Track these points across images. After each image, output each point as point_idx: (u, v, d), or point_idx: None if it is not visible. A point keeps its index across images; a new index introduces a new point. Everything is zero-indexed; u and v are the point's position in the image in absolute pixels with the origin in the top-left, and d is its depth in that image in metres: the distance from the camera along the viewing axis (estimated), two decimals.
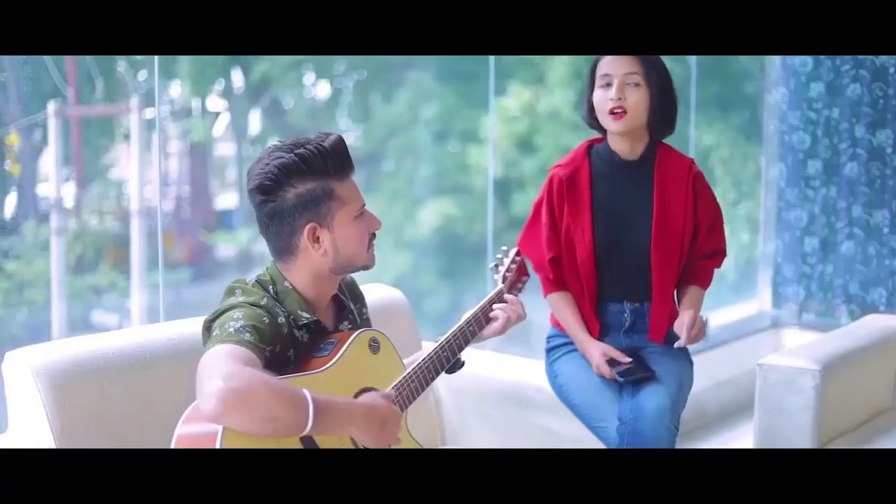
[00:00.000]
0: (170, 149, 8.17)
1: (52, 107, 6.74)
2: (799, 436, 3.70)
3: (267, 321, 2.59)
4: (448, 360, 2.96)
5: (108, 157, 7.59)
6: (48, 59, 6.85)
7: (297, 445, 2.49)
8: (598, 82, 3.36)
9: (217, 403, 2.33)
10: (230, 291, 2.71)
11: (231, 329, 2.52)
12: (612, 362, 3.34)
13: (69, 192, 7.15)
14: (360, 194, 2.77)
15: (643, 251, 3.38)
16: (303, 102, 7.79)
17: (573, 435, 3.41)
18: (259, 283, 2.73)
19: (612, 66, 3.33)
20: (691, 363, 3.53)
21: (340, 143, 2.71)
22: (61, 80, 6.93)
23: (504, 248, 3.29)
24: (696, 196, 3.43)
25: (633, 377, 3.27)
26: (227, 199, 8.39)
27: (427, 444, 3.62)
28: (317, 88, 7.81)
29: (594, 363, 3.36)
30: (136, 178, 7.14)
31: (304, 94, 7.80)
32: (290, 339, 2.66)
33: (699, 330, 3.33)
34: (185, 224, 8.15)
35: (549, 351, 3.56)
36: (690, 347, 3.59)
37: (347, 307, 2.89)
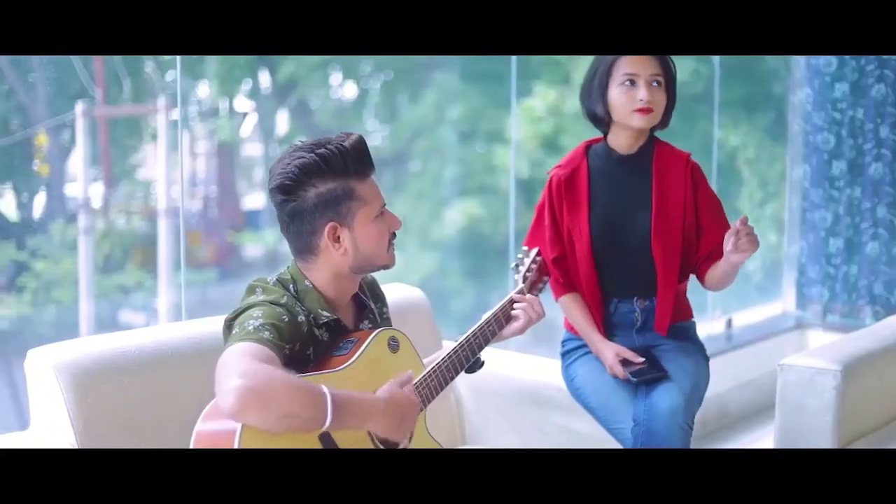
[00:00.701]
0: (197, 149, 8.21)
1: (79, 107, 6.77)
2: (819, 436, 3.68)
3: (286, 319, 2.59)
4: (467, 359, 2.96)
5: (135, 157, 7.62)
6: (76, 60, 6.89)
7: (316, 443, 2.50)
8: (618, 80, 3.36)
9: (235, 401, 2.33)
10: (251, 290, 2.72)
11: (250, 327, 2.53)
12: (625, 362, 3.33)
13: (97, 192, 7.18)
14: (380, 194, 2.77)
15: (645, 246, 3.37)
16: (329, 103, 7.80)
17: (593, 434, 3.41)
18: (280, 281, 2.73)
19: (638, 65, 3.33)
20: (707, 360, 3.51)
21: (361, 144, 2.72)
22: (89, 80, 6.96)
23: (525, 247, 3.29)
24: (696, 188, 3.43)
25: (645, 377, 3.26)
26: (255, 199, 8.41)
27: (447, 443, 3.62)
28: (343, 89, 7.82)
29: (607, 364, 3.36)
30: (163, 178, 7.17)
31: (330, 95, 7.81)
32: (310, 338, 2.67)
33: (748, 236, 3.15)
34: (212, 224, 8.18)
35: (564, 355, 3.56)
36: (710, 348, 3.58)
37: (368, 306, 2.90)
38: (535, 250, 3.29)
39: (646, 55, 3.31)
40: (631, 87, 3.32)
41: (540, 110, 6.89)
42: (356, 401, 2.50)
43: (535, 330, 3.13)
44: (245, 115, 8.16)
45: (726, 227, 3.48)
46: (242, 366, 2.39)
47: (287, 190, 2.66)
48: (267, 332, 2.52)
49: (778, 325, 6.95)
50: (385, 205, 2.78)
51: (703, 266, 3.44)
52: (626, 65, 3.34)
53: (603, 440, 3.34)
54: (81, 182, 6.88)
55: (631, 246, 3.39)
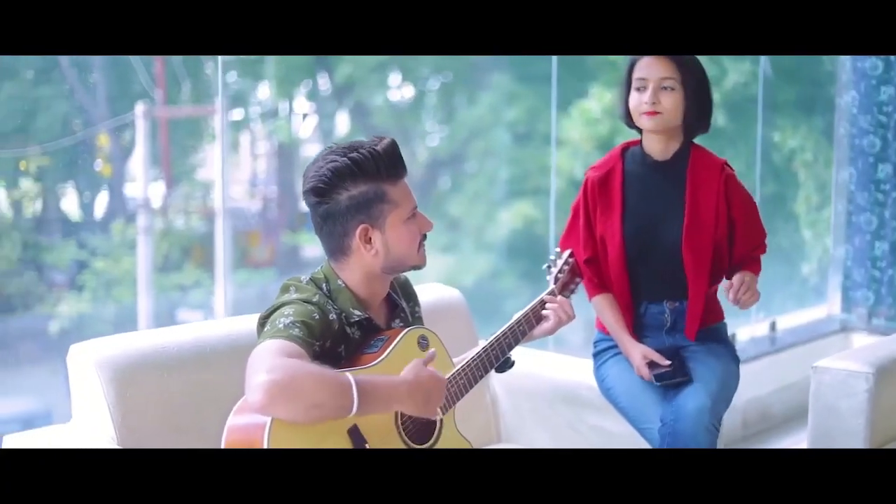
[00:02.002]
0: (257, 150, 8.32)
1: (140, 108, 6.89)
2: (852, 439, 3.71)
3: (317, 317, 2.67)
4: (497, 358, 3.02)
5: (195, 157, 7.75)
6: (136, 61, 7.02)
7: (345, 436, 2.57)
8: (634, 84, 3.42)
9: (263, 395, 2.42)
10: (285, 289, 2.80)
11: (281, 325, 2.61)
12: (651, 365, 3.38)
13: (156, 192, 7.32)
14: (412, 197, 2.83)
15: (675, 252, 3.41)
16: (387, 104, 7.88)
17: (625, 434, 3.45)
18: (313, 280, 2.81)
19: (648, 70, 3.38)
20: (737, 361, 3.54)
21: (393, 147, 2.78)
22: (149, 81, 7.09)
23: (557, 249, 3.35)
24: (729, 197, 3.46)
25: (669, 381, 3.31)
26: None
27: (483, 442, 3.69)
28: (401, 90, 7.90)
29: (634, 365, 3.41)
30: (221, 178, 7.28)
31: (388, 96, 7.89)
32: (342, 336, 2.74)
33: (749, 290, 3.34)
34: (270, 224, 8.28)
35: (596, 355, 3.60)
36: (753, 350, 3.62)
37: (399, 305, 2.96)
38: (567, 252, 3.35)
39: (659, 59, 3.35)
40: (643, 92, 3.38)
41: (596, 112, 6.94)
42: (381, 385, 2.58)
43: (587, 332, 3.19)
44: (304, 116, 8.26)
45: (762, 233, 3.54)
46: (270, 362, 2.47)
47: (320, 192, 2.73)
48: (297, 330, 2.60)
49: (823, 329, 6.92)
50: (416, 207, 2.85)
51: (749, 263, 3.50)
52: (639, 69, 3.40)
53: (635, 440, 3.39)
54: (141, 182, 7.02)
55: (662, 251, 3.42)
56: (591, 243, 3.51)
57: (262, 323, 2.72)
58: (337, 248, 2.81)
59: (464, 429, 2.95)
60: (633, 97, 3.41)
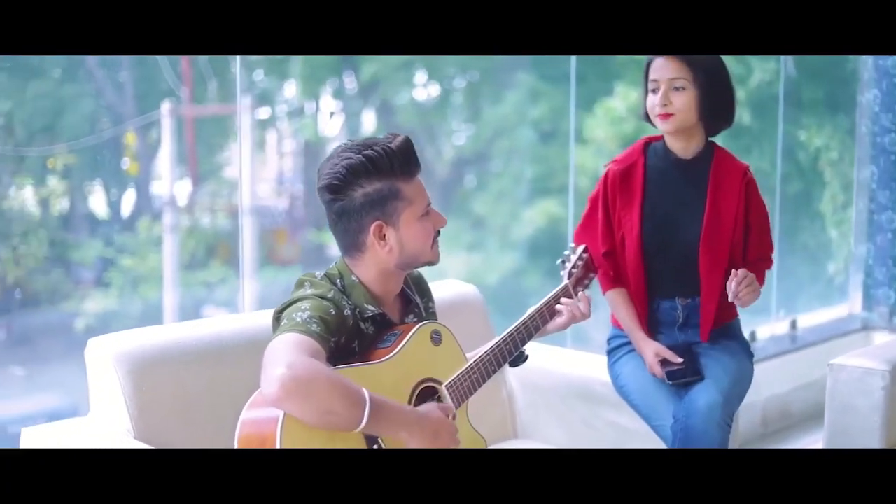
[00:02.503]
0: (284, 148, 8.36)
1: (166, 106, 6.93)
2: (868, 436, 3.71)
3: (333, 313, 2.69)
4: (510, 353, 3.04)
5: (222, 155, 7.79)
6: (163, 60, 7.06)
7: (359, 435, 2.60)
8: (649, 86, 3.44)
9: (279, 388, 2.44)
10: (300, 284, 2.83)
11: (298, 319, 2.63)
12: (664, 362, 3.39)
13: (183, 190, 7.36)
14: (426, 193, 2.85)
15: (693, 248, 3.42)
16: (413, 103, 7.89)
17: (640, 430, 3.46)
18: (327, 276, 2.84)
19: (659, 71, 3.40)
20: (750, 358, 3.55)
21: (407, 145, 2.80)
22: (175, 80, 7.13)
23: (572, 244, 3.37)
24: (748, 202, 3.47)
25: (681, 380, 3.32)
26: None
27: (499, 438, 3.70)
28: (426, 89, 7.91)
29: (647, 362, 3.42)
30: (247, 176, 7.32)
31: (413, 95, 7.91)
32: (356, 331, 2.76)
33: (750, 286, 3.32)
34: (297, 222, 8.31)
35: (610, 352, 3.62)
36: (773, 349, 3.63)
37: (413, 301, 2.98)
38: (581, 247, 3.36)
39: (669, 60, 3.36)
40: (656, 93, 3.40)
41: (620, 110, 6.94)
42: (393, 409, 2.59)
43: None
44: (331, 114, 8.29)
45: (770, 247, 3.56)
46: (289, 356, 2.49)
47: (335, 189, 2.76)
48: (315, 325, 2.62)
49: (844, 327, 6.89)
50: (430, 204, 2.87)
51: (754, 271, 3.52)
52: (651, 72, 3.42)
53: (649, 436, 3.40)
54: (167, 180, 7.06)
55: (679, 248, 3.43)
56: (609, 237, 3.53)
57: (278, 317, 2.74)
58: (351, 244, 2.84)
59: (480, 424, 2.96)
60: (649, 99, 3.44)
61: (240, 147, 5.65)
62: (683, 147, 3.48)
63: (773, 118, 6.72)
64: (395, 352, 2.75)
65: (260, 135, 8.11)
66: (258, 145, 8.19)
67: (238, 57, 4.75)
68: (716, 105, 3.43)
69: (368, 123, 8.17)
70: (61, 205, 7.16)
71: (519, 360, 3.12)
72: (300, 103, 7.92)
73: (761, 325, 6.01)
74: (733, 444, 3.45)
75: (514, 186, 7.52)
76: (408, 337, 2.79)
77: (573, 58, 5.62)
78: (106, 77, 6.94)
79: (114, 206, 7.46)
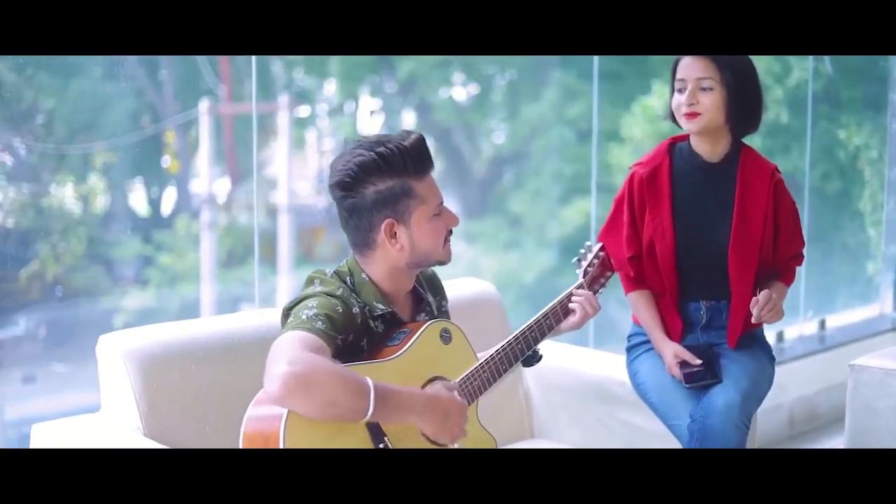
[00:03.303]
0: (324, 147, 8.35)
1: (203, 105, 6.95)
2: (890, 438, 3.62)
3: (340, 310, 2.66)
4: (522, 352, 2.99)
5: (261, 154, 7.79)
6: (202, 59, 7.07)
7: (363, 429, 2.57)
8: (675, 86, 3.37)
9: (280, 386, 2.42)
10: (309, 281, 2.80)
11: (304, 316, 2.61)
12: (682, 364, 3.34)
13: (221, 189, 7.37)
14: (438, 192, 2.81)
15: (721, 252, 3.36)
16: (451, 101, 7.88)
17: (656, 431, 3.41)
18: (337, 274, 2.81)
19: (686, 70, 3.33)
20: (772, 360, 3.49)
21: (420, 143, 2.77)
22: (214, 78, 7.15)
23: (588, 243, 3.32)
24: (777, 202, 3.40)
25: (699, 383, 3.27)
26: None
27: (516, 437, 3.66)
28: (465, 88, 7.90)
29: (666, 363, 3.37)
30: (285, 174, 7.32)
31: (451, 93, 7.90)
32: (365, 329, 2.73)
33: (773, 309, 3.28)
34: (335, 220, 8.29)
35: (629, 350, 3.57)
36: (801, 349, 3.57)
37: (425, 299, 2.95)
38: (598, 246, 3.31)
39: (697, 59, 3.30)
40: (682, 92, 3.33)
41: (658, 109, 6.88)
42: (399, 394, 2.56)
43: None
44: (371, 112, 8.29)
45: (801, 243, 3.49)
46: (291, 353, 2.47)
47: (346, 187, 2.72)
48: (320, 322, 2.60)
49: (874, 327, 6.73)
50: (442, 202, 2.83)
51: (783, 272, 3.46)
52: (679, 71, 3.35)
53: (665, 436, 3.35)
54: (205, 178, 7.08)
55: (707, 252, 3.37)
56: (636, 240, 3.47)
57: (286, 314, 2.72)
58: (362, 242, 2.81)
59: (496, 423, 2.93)
60: (675, 98, 3.37)
61: (254, 143, 5.62)
62: (710, 150, 3.41)
63: (811, 117, 6.64)
64: (403, 350, 2.71)
65: (300, 133, 8.12)
66: (297, 144, 8.19)
67: (254, 57, 4.70)
68: (743, 107, 3.35)
69: (407, 122, 8.17)
70: (101, 202, 7.19)
71: (532, 359, 3.07)
72: (340, 102, 7.92)
73: (790, 325, 5.94)
74: (751, 445, 3.39)
75: (550, 185, 7.48)
76: (417, 335, 2.76)
77: (596, 57, 5.57)
78: (146, 75, 6.97)
79: (153, 203, 7.48)
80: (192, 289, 6.83)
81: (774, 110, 6.56)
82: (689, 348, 3.39)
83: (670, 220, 3.41)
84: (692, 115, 3.32)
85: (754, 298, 3.28)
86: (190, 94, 7.01)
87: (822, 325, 6.34)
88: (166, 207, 7.52)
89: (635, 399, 3.46)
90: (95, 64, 7.08)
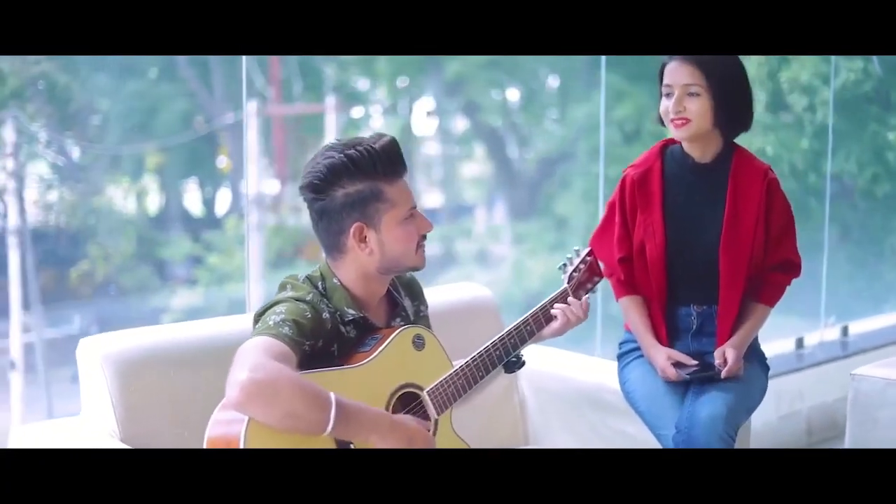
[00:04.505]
0: None
1: (252, 105, 6.96)
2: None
3: (309, 316, 2.61)
4: (500, 358, 2.92)
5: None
6: (251, 60, 7.08)
7: (331, 444, 2.52)
8: (663, 90, 3.29)
9: (240, 392, 2.38)
10: (282, 287, 2.76)
11: (271, 322, 2.57)
12: (678, 364, 3.26)
13: (270, 189, 7.39)
14: (410, 196, 2.75)
15: (712, 256, 3.27)
16: (498, 102, 7.84)
17: (647, 440, 3.33)
18: (309, 278, 2.76)
19: (673, 76, 3.25)
20: (765, 370, 3.39)
21: (392, 146, 2.71)
22: (263, 79, 7.17)
23: (576, 248, 3.25)
24: (770, 204, 3.31)
25: (699, 374, 3.19)
26: (433, 197, 8.47)
27: (510, 443, 3.60)
28: (512, 89, 7.85)
29: (658, 366, 3.28)
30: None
31: (499, 94, 7.85)
32: (335, 335, 2.68)
33: (735, 368, 3.22)
34: None
35: (620, 357, 3.49)
36: (820, 356, 3.47)
37: (400, 304, 2.90)
38: (585, 250, 3.24)
39: (683, 65, 3.22)
40: (670, 98, 3.25)
41: None
42: (363, 412, 2.50)
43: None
44: (427, 113, 8.27)
45: (791, 252, 3.38)
46: (253, 360, 2.43)
47: (316, 189, 2.68)
48: (287, 328, 2.55)
49: None
50: (415, 207, 2.77)
51: (762, 286, 3.37)
52: (666, 76, 3.27)
53: (656, 446, 3.27)
54: (253, 179, 7.09)
55: (698, 255, 3.29)
56: (627, 242, 3.40)
57: (257, 320, 2.69)
58: (333, 245, 2.76)
59: (491, 430, 2.87)
60: (663, 103, 3.29)
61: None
62: (701, 152, 3.33)
63: (859, 119, 6.51)
64: (373, 356, 2.66)
65: (353, 134, 8.11)
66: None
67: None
68: (732, 110, 3.26)
69: (458, 123, 8.14)
70: (152, 202, 7.25)
71: (514, 365, 3.00)
72: (390, 102, 7.91)
73: (810, 331, 5.80)
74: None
75: (598, 187, 7.39)
76: (388, 341, 2.70)
77: (603, 58, 5.49)
78: (198, 76, 7.00)
79: (202, 204, 7.53)
80: (239, 288, 6.85)
81: (822, 112, 6.44)
82: None
83: (661, 222, 3.33)
84: (680, 122, 3.24)
85: (719, 350, 3.20)
86: (240, 96, 7.02)
87: (845, 331, 6.18)
88: (214, 208, 7.56)
89: (627, 407, 3.38)
90: (151, 64, 7.14)
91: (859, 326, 6.18)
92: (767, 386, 3.39)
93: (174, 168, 7.20)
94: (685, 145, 3.34)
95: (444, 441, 2.77)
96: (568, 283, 3.13)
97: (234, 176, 7.49)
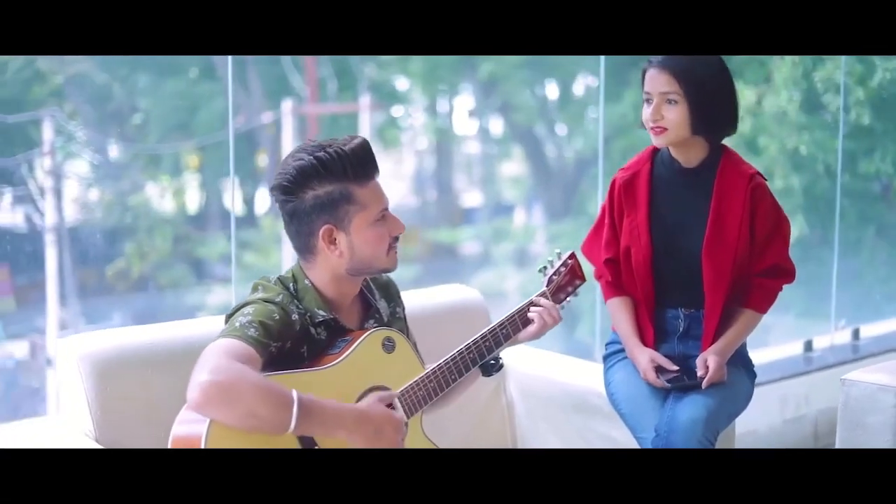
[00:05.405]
0: (415, 147, 8.33)
1: (287, 105, 6.97)
2: None
3: (277, 317, 2.58)
4: (474, 361, 2.87)
5: None
6: (287, 60, 7.11)
7: (295, 443, 2.49)
8: (644, 96, 3.23)
9: (199, 394, 2.36)
10: (254, 288, 2.73)
11: (238, 324, 2.54)
12: (660, 369, 3.19)
13: None
14: (382, 198, 2.71)
15: (696, 259, 3.20)
16: (533, 102, 7.79)
17: (631, 444, 3.28)
18: (281, 280, 2.73)
19: (651, 83, 3.17)
20: (751, 376, 3.32)
21: (362, 148, 2.68)
22: (300, 78, 7.18)
23: (558, 250, 3.19)
24: (754, 208, 3.23)
25: (680, 384, 3.12)
26: (472, 197, 8.46)
27: (498, 445, 3.55)
28: (547, 88, 7.81)
29: (641, 369, 3.22)
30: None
31: (534, 94, 7.81)
32: (304, 336, 2.65)
33: (717, 377, 3.14)
34: (428, 220, 8.27)
35: (605, 358, 3.43)
36: (831, 359, 3.37)
37: (374, 306, 2.86)
38: (567, 253, 3.19)
39: (661, 72, 3.15)
40: (648, 105, 3.18)
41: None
42: (327, 409, 2.47)
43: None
44: (469, 113, 8.26)
45: (779, 257, 3.30)
46: (214, 361, 2.41)
47: (286, 190, 2.65)
48: (253, 330, 2.53)
49: None
50: (386, 208, 2.73)
51: (750, 291, 3.29)
52: (645, 83, 3.20)
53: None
54: None
55: (683, 259, 3.23)
56: (614, 244, 3.35)
57: (227, 321, 2.67)
58: (303, 247, 2.73)
59: (479, 432, 2.82)
60: (644, 109, 3.23)
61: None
62: (686, 157, 3.26)
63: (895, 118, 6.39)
64: (341, 358, 2.63)
65: (393, 134, 8.12)
66: (392, 143, 8.20)
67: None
68: (711, 118, 3.18)
69: (495, 123, 8.12)
70: (189, 201, 7.28)
71: (492, 368, 2.94)
72: (428, 103, 7.90)
73: (821, 334, 5.68)
74: None
75: None
76: (356, 343, 2.67)
77: (602, 58, 5.42)
78: (236, 75, 7.01)
79: (238, 202, 7.54)
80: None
81: (856, 112, 6.33)
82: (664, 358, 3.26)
83: (646, 226, 3.27)
84: (658, 130, 3.18)
85: (701, 357, 3.14)
86: (278, 95, 7.05)
87: (856, 334, 6.04)
88: (250, 207, 7.59)
89: (612, 411, 3.33)
90: (192, 64, 7.19)
91: (873, 329, 6.06)
92: (753, 392, 3.32)
93: (213, 167, 7.24)
94: (672, 150, 3.28)
95: (414, 444, 2.73)
96: (547, 285, 3.08)
97: (268, 174, 7.51)
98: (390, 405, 2.71)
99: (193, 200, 7.09)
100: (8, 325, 6.38)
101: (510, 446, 3.52)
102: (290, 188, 2.63)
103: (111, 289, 6.81)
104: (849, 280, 6.24)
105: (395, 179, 8.28)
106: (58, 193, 6.24)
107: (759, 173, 3.17)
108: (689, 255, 3.21)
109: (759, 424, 3.53)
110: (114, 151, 6.83)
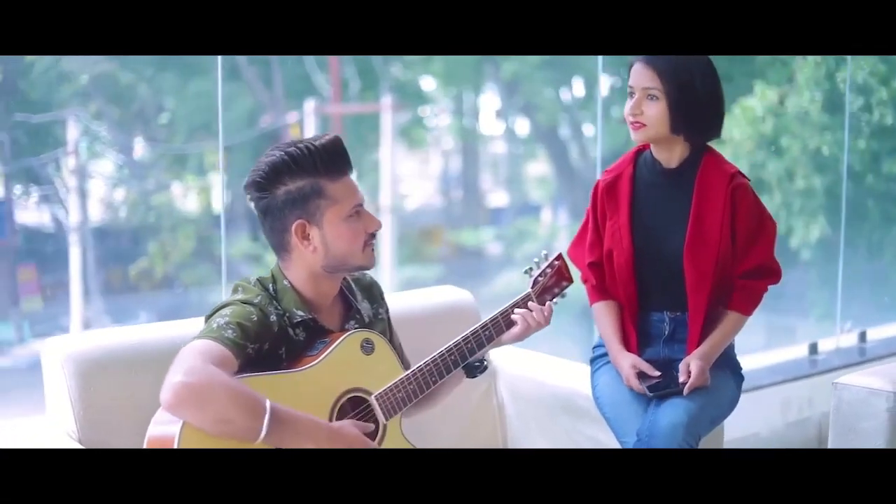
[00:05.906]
0: (440, 147, 8.31)
1: (310, 105, 6.97)
2: None
3: (255, 318, 2.58)
4: (456, 363, 2.85)
5: (373, 155, 7.78)
6: (310, 60, 7.10)
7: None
8: (628, 90, 3.19)
9: (172, 396, 2.36)
10: (234, 289, 2.72)
11: (214, 325, 2.54)
12: (642, 375, 3.16)
13: None
14: (356, 194, 2.71)
15: (678, 261, 3.17)
16: (555, 102, 7.76)
17: (617, 446, 3.25)
18: (260, 281, 2.73)
19: (634, 78, 3.14)
20: (738, 379, 3.27)
21: (334, 144, 2.68)
22: (323, 78, 7.17)
23: (544, 252, 3.17)
24: (735, 208, 3.17)
25: (661, 391, 3.08)
26: (498, 197, 8.44)
27: (489, 447, 3.52)
28: (570, 88, 7.78)
29: (623, 375, 3.18)
30: (388, 174, 7.29)
31: (556, 94, 7.78)
32: (283, 337, 2.64)
33: (699, 382, 3.09)
34: (453, 220, 8.24)
35: (592, 361, 3.41)
36: (837, 361, 3.32)
37: (354, 307, 2.85)
38: (554, 255, 3.16)
39: (645, 67, 3.12)
40: (630, 100, 3.15)
41: (759, 110, 6.62)
42: (300, 420, 2.45)
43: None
44: (497, 113, 8.24)
45: (764, 257, 3.25)
46: (188, 363, 2.40)
47: (259, 187, 2.66)
48: (230, 332, 2.52)
49: None
50: (361, 204, 2.72)
51: (733, 293, 3.24)
52: (630, 77, 3.17)
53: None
54: None
55: (665, 262, 3.19)
56: (598, 247, 3.31)
57: (206, 322, 2.66)
58: (278, 244, 2.73)
59: (469, 433, 2.80)
60: (626, 104, 3.18)
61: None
62: (667, 157, 3.21)
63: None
64: (319, 360, 2.62)
65: (420, 133, 8.10)
66: (419, 143, 8.18)
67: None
68: (691, 117, 3.13)
69: (520, 124, 8.09)
70: (213, 200, 7.28)
71: (476, 370, 2.92)
72: (453, 103, 7.88)
73: (826, 337, 5.61)
74: None
75: None
76: (335, 345, 2.65)
77: (599, 58, 5.38)
78: (258, 75, 7.03)
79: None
80: None
81: (879, 112, 6.26)
82: (649, 362, 3.20)
83: (628, 228, 3.23)
84: (636, 125, 3.13)
85: (684, 362, 3.09)
86: (301, 95, 7.05)
87: (863, 337, 5.96)
88: None
89: (598, 414, 3.30)
90: (214, 64, 7.17)
91: (880, 332, 5.98)
92: (739, 397, 3.27)
93: (238, 166, 7.23)
94: (653, 150, 3.23)
95: (393, 442, 2.72)
96: (532, 287, 3.05)
97: None
98: (366, 431, 2.70)
99: (216, 200, 7.10)
100: (34, 324, 6.39)
101: (501, 448, 3.50)
102: (263, 184, 2.64)
103: (135, 288, 6.82)
104: (869, 281, 6.18)
105: (422, 179, 8.28)
106: (82, 193, 6.26)
107: (740, 173, 3.13)
108: (671, 256, 3.17)
109: (761, 427, 3.48)
110: (138, 151, 6.85)
